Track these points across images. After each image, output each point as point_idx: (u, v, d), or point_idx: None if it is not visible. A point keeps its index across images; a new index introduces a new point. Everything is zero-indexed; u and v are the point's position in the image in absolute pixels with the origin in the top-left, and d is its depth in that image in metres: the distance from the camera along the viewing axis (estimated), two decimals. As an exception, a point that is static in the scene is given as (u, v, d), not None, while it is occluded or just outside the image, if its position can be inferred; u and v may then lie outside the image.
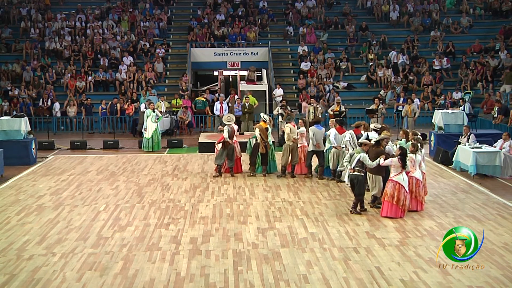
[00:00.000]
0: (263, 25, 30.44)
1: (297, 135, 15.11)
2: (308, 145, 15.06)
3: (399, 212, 11.63)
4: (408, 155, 11.82)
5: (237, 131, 20.74)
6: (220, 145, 15.48)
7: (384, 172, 12.12)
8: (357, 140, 13.83)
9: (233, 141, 15.55)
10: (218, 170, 15.47)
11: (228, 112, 23.21)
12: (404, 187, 11.54)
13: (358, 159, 11.79)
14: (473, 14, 31.10)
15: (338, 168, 14.53)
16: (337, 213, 12.03)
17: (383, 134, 13.02)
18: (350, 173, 12.00)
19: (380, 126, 14.17)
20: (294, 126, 15.26)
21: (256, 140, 15.40)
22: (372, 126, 14.24)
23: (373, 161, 11.79)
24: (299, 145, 15.24)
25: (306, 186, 14.38)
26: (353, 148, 13.71)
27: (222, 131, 15.48)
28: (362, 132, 14.18)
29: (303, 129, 15.35)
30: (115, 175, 15.88)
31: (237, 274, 8.93)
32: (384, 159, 11.72)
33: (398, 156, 11.53)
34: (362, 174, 11.85)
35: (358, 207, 12.02)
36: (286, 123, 15.73)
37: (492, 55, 27.17)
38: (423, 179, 12.48)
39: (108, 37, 28.89)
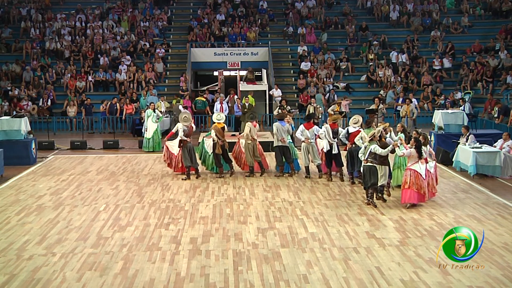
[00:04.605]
0: (263, 25, 30.43)
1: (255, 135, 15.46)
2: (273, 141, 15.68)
3: (422, 197, 12.37)
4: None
5: (237, 131, 20.78)
6: (174, 144, 15.34)
7: (389, 162, 12.74)
8: (332, 134, 14.63)
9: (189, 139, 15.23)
10: (187, 172, 15.16)
11: (228, 113, 23.28)
12: (421, 175, 12.21)
13: (370, 150, 12.32)
14: (473, 14, 31.10)
15: (317, 163, 15.13)
16: (337, 213, 12.04)
17: (380, 126, 13.62)
18: (364, 164, 12.54)
19: (358, 120, 14.61)
20: (255, 125, 15.55)
21: (214, 141, 15.24)
22: (351, 120, 14.72)
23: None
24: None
25: (306, 186, 14.39)
26: (328, 142, 14.64)
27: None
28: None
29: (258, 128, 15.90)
30: (115, 175, 15.88)
31: (237, 274, 8.93)
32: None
33: (415, 147, 12.20)
34: (375, 164, 12.35)
35: (374, 197, 12.55)
36: (247, 122, 15.84)
37: (492, 55, 27.15)
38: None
39: (108, 37, 28.90)
